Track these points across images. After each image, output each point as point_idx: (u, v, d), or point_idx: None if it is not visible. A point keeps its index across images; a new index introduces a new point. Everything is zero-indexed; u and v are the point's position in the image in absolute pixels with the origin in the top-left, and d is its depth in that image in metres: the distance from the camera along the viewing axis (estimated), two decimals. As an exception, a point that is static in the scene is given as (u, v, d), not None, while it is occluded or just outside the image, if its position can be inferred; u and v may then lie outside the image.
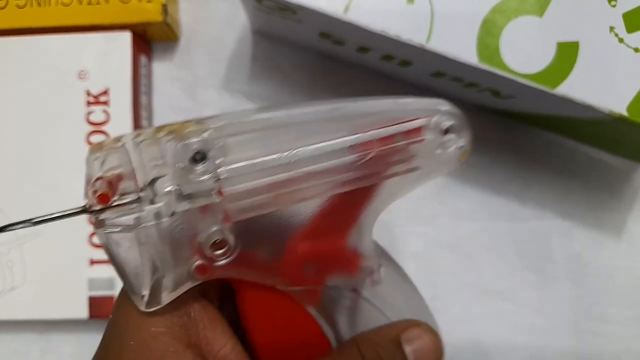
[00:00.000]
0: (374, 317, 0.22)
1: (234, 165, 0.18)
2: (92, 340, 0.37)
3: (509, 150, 0.38)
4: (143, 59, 0.37)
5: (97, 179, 0.17)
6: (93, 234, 0.34)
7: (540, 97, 0.29)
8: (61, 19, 0.35)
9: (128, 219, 0.17)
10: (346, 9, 0.28)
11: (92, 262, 0.34)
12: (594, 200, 0.38)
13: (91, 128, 0.34)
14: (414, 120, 0.20)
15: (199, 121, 0.19)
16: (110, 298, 0.34)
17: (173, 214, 0.18)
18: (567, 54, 0.28)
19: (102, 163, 0.18)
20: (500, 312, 0.37)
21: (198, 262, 0.19)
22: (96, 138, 0.34)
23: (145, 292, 0.18)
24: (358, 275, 0.21)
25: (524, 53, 0.28)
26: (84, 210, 0.18)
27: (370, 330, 0.22)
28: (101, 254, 0.34)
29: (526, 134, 0.38)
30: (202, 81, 0.38)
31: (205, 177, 0.17)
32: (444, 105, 0.20)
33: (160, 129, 0.18)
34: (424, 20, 0.28)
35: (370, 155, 0.19)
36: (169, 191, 0.18)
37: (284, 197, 0.19)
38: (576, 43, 0.28)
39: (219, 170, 0.18)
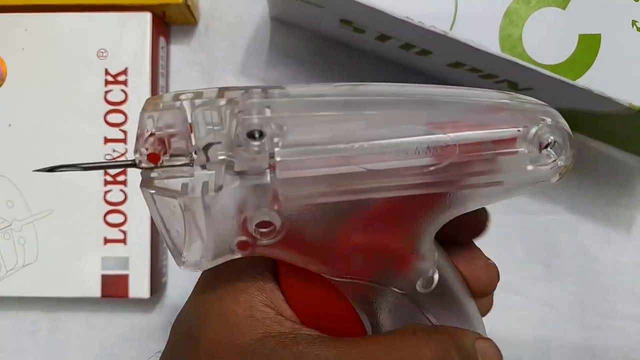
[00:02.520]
0: (419, 322, 0.20)
1: (292, 149, 0.17)
2: (102, 319, 0.37)
3: (522, 144, 0.38)
4: (162, 40, 0.37)
5: (150, 135, 0.17)
6: (108, 212, 0.34)
7: (560, 89, 0.29)
8: (82, -3, 0.35)
9: (176, 184, 0.17)
10: (371, -6, 0.28)
11: (107, 241, 0.34)
12: (603, 195, 0.38)
13: (109, 107, 0.34)
14: (509, 128, 0.17)
15: (264, 91, 0.18)
16: (124, 277, 0.34)
17: (221, 188, 0.17)
18: (588, 46, 0.28)
19: (157, 120, 0.17)
20: (508, 305, 0.37)
21: (241, 238, 0.18)
22: (114, 117, 0.34)
23: (186, 254, 0.18)
24: (410, 276, 0.20)
25: (546, 44, 0.28)
26: (132, 164, 0.17)
27: (431, 326, 0.20)
28: (116, 233, 0.34)
29: (539, 128, 0.38)
30: (220, 66, 0.38)
31: (260, 156, 0.17)
32: (547, 115, 0.18)
33: (221, 93, 0.18)
34: (448, 8, 0.28)
35: (448, 162, 0.17)
36: (222, 160, 0.17)
37: (340, 191, 0.17)
38: (598, 36, 0.28)
39: (275, 150, 0.17)
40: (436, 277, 0.20)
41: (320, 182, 0.17)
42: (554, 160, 0.18)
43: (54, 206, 0.34)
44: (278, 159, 0.17)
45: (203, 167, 0.17)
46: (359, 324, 0.20)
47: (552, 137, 0.17)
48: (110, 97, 0.35)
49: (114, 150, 0.34)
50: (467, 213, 0.19)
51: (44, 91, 0.35)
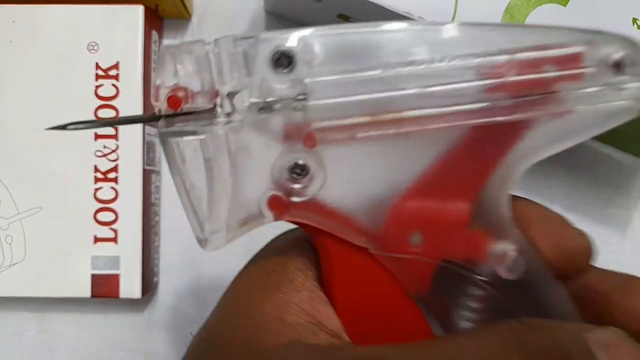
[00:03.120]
0: (505, 317, 0.16)
1: (324, 78, 0.15)
2: (92, 320, 0.36)
3: (519, 143, 0.38)
4: (154, 34, 0.36)
5: (173, 85, 0.15)
6: (98, 210, 0.33)
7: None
8: (72, -12, 0.34)
9: (196, 125, 0.15)
10: (371, -12, 0.28)
11: (97, 240, 0.33)
12: (600, 195, 0.38)
13: (100, 102, 0.34)
14: (569, 47, 0.15)
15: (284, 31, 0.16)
16: (115, 276, 0.33)
17: (245, 124, 0.15)
18: (589, 43, 0.28)
19: (177, 65, 0.16)
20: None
21: (272, 193, 0.16)
22: (105, 113, 0.33)
23: (208, 225, 0.16)
24: (485, 261, 0.16)
25: (547, 41, 0.28)
26: (153, 116, 0.16)
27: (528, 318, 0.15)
28: (106, 232, 0.33)
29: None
30: (213, 61, 0.37)
31: (288, 84, 0.15)
32: (619, 35, 0.15)
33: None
34: (448, 3, 0.28)
35: (502, 81, 0.15)
36: (249, 105, 0.15)
37: (383, 123, 0.15)
38: (599, 33, 0.28)
39: (305, 81, 0.15)
40: (519, 259, 0.16)
41: (359, 111, 0.15)
42: (631, 82, 0.15)
43: (43, 204, 0.33)
44: (309, 86, 0.15)
45: (228, 115, 0.15)
46: (423, 324, 0.17)
47: (623, 53, 0.15)
48: (101, 92, 0.34)
49: (104, 147, 0.33)
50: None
51: (33, 85, 0.34)
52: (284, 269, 0.17)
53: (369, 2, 0.28)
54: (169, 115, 0.15)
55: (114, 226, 0.33)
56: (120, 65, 0.34)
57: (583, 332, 0.14)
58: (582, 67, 0.15)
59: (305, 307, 0.16)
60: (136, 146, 0.33)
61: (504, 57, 0.15)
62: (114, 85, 0.34)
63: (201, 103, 0.15)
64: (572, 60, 0.15)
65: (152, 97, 0.16)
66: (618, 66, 0.15)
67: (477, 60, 0.15)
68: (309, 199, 0.16)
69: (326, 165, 0.16)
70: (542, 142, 0.16)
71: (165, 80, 0.15)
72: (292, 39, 0.15)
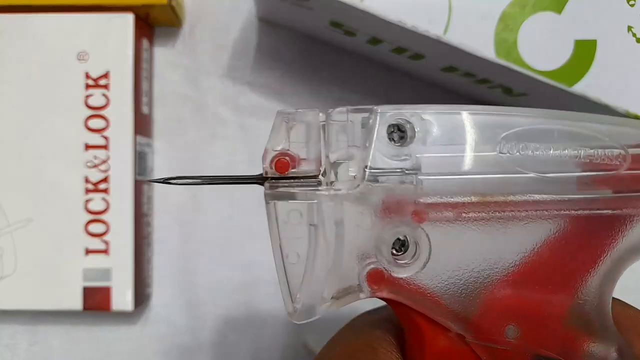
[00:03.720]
0: None
1: (435, 154, 0.15)
2: (84, 332, 0.36)
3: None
4: (145, 43, 0.35)
5: (281, 149, 0.15)
6: (89, 221, 0.33)
7: (555, 95, 0.29)
8: (61, -3, 0.33)
9: (299, 191, 0.15)
10: (364, -3, 0.27)
11: (88, 252, 0.33)
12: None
13: (90, 112, 0.33)
14: None
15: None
16: (106, 289, 0.32)
17: (351, 194, 0.15)
18: (584, 52, 0.28)
19: (289, 131, 0.16)
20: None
21: (373, 266, 0.15)
22: (95, 123, 0.33)
23: (300, 296, 0.16)
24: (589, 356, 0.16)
25: (541, 49, 0.28)
26: (260, 178, 0.16)
27: None
28: (97, 243, 0.33)
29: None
30: (205, 69, 0.37)
31: (400, 159, 0.15)
32: None
33: (355, 111, 0.16)
34: (441, 12, 0.28)
35: (614, 173, 0.15)
36: (356, 175, 0.15)
37: (490, 205, 0.15)
38: (594, 41, 0.28)
39: (417, 155, 0.15)
40: None
41: (469, 188, 0.15)
42: None
43: (33, 215, 0.33)
44: (420, 159, 0.15)
45: (330, 183, 0.15)
46: None
47: None
48: (91, 102, 0.33)
49: (95, 157, 0.33)
50: None
51: (22, 95, 0.33)
52: (374, 350, 0.17)
53: (362, 10, 0.27)
54: (275, 178, 0.15)
55: (105, 238, 0.33)
56: (111, 75, 0.33)
57: None
58: None
59: None
60: (127, 156, 0.33)
61: (617, 151, 0.15)
62: (104, 95, 0.33)
63: (306, 169, 0.16)
64: None
65: (262, 159, 0.16)
66: None
67: (591, 151, 0.15)
68: (410, 276, 0.15)
69: (431, 243, 0.15)
70: None
71: (274, 145, 0.16)
72: (407, 114, 0.15)
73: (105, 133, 0.33)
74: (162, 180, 0.17)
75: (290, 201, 0.15)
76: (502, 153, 0.15)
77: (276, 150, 0.16)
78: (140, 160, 0.34)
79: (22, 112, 0.33)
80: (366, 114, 0.15)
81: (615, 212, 0.15)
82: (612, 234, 0.15)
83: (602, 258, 0.15)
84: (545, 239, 0.15)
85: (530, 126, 0.15)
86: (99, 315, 0.35)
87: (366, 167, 0.15)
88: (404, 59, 0.34)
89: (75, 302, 0.33)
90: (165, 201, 0.36)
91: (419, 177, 0.15)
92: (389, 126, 0.15)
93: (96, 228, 0.33)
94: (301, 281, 0.16)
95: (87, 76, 0.33)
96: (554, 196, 0.15)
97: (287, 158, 0.15)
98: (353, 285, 0.16)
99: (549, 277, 0.15)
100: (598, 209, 0.15)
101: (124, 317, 0.35)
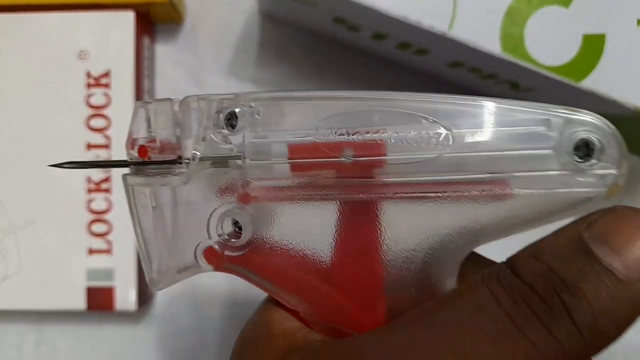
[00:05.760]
0: None
1: (257, 140, 0.16)
2: (89, 332, 0.36)
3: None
4: (146, 40, 0.35)
5: (143, 136, 0.17)
6: (92, 221, 0.33)
7: (563, 90, 0.28)
8: (61, -5, 0.33)
9: (156, 175, 0.17)
10: (366, -8, 0.27)
11: (91, 252, 0.33)
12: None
13: (91, 111, 0.33)
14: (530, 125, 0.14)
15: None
16: (109, 289, 0.32)
17: (189, 179, 0.16)
18: (593, 46, 0.27)
19: (149, 118, 0.17)
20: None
21: (207, 245, 0.17)
22: (97, 122, 0.33)
23: (155, 265, 0.18)
24: None
25: (548, 44, 0.27)
26: (124, 162, 0.17)
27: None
28: (100, 243, 0.33)
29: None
30: (207, 66, 0.37)
31: (229, 144, 0.16)
32: (579, 112, 0.14)
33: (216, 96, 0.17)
34: (447, 7, 0.27)
35: (437, 154, 0.15)
36: (198, 160, 0.16)
37: (305, 187, 0.16)
38: (602, 35, 0.27)
39: (245, 142, 0.16)
40: None
41: (289, 171, 0.16)
42: (590, 168, 0.13)
43: (36, 216, 0.33)
44: (246, 145, 0.16)
45: (187, 164, 0.17)
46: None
47: (591, 138, 0.13)
48: (92, 101, 0.33)
49: (97, 157, 0.33)
50: None
51: (23, 95, 0.33)
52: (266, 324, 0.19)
53: (366, 6, 0.27)
54: (138, 163, 0.17)
55: (108, 237, 0.33)
56: (112, 73, 0.33)
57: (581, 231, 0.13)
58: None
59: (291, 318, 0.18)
60: (129, 156, 0.33)
61: (445, 129, 0.15)
62: (105, 94, 0.33)
63: (168, 155, 0.17)
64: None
65: (125, 145, 0.17)
66: (576, 149, 0.14)
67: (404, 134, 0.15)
68: (241, 254, 0.17)
69: (257, 223, 0.17)
70: (487, 227, 0.16)
71: (134, 131, 0.17)
72: (241, 101, 0.16)
73: (107, 132, 0.33)
74: (58, 164, 0.19)
75: (138, 185, 0.17)
76: (318, 138, 0.16)
77: (137, 138, 0.17)
78: (143, 159, 0.34)
79: (23, 112, 0.33)
80: (215, 101, 0.17)
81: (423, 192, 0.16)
82: (432, 223, 0.16)
83: (430, 244, 0.16)
84: (348, 219, 0.16)
85: (353, 109, 0.16)
86: (104, 315, 0.35)
87: (195, 152, 0.16)
88: (410, 55, 0.33)
89: (79, 302, 0.33)
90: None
91: (245, 161, 0.16)
92: (228, 113, 0.16)
93: (99, 228, 0.33)
94: (152, 253, 0.17)
95: (88, 75, 0.33)
96: (360, 180, 0.16)
97: (149, 144, 0.17)
98: (190, 262, 0.17)
99: (353, 254, 0.17)
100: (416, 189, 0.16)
101: (127, 316, 0.35)
